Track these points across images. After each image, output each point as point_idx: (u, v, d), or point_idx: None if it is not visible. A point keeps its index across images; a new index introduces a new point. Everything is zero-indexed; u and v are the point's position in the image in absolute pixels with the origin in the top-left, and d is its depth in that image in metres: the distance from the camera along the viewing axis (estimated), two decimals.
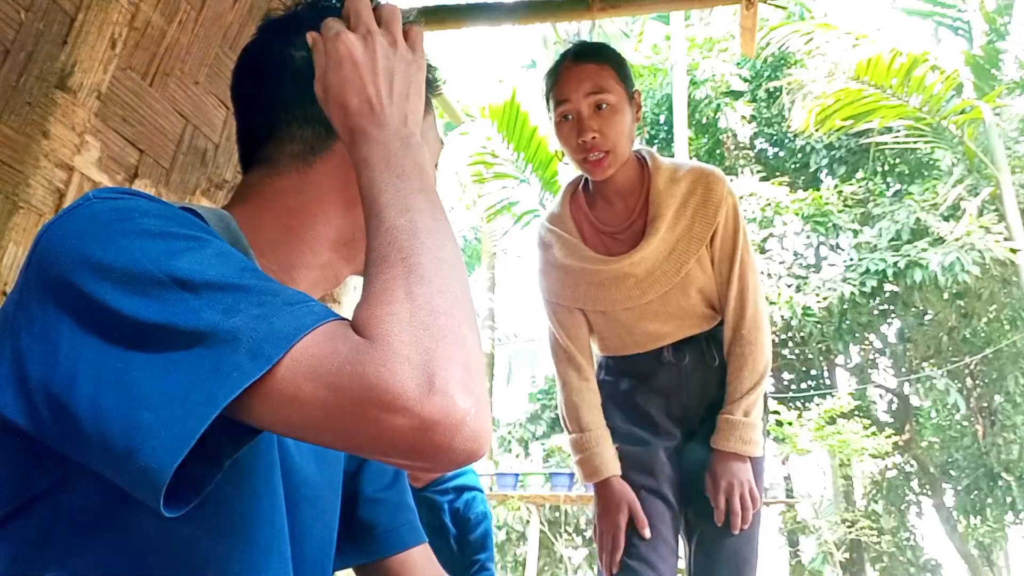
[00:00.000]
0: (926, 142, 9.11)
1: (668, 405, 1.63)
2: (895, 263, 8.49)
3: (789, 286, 9.36)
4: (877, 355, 11.12)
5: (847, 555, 8.96)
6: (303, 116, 0.71)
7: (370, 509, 0.85)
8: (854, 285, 8.75)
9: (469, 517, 2.15)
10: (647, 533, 1.53)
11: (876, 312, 9.74)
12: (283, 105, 0.71)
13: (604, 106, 1.49)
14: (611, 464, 1.58)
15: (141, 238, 0.51)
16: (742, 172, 10.34)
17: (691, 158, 9.54)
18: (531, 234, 1.79)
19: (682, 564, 1.68)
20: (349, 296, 2.38)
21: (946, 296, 8.77)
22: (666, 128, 9.96)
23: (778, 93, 10.20)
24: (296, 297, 0.50)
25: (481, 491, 2.22)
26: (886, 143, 9.25)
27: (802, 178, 10.75)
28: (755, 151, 11.24)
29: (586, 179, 1.68)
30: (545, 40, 11.57)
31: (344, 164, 0.71)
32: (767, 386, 1.60)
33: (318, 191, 0.72)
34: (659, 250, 1.57)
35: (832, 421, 8.37)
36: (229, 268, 0.51)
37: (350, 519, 0.83)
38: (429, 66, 0.76)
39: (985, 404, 9.98)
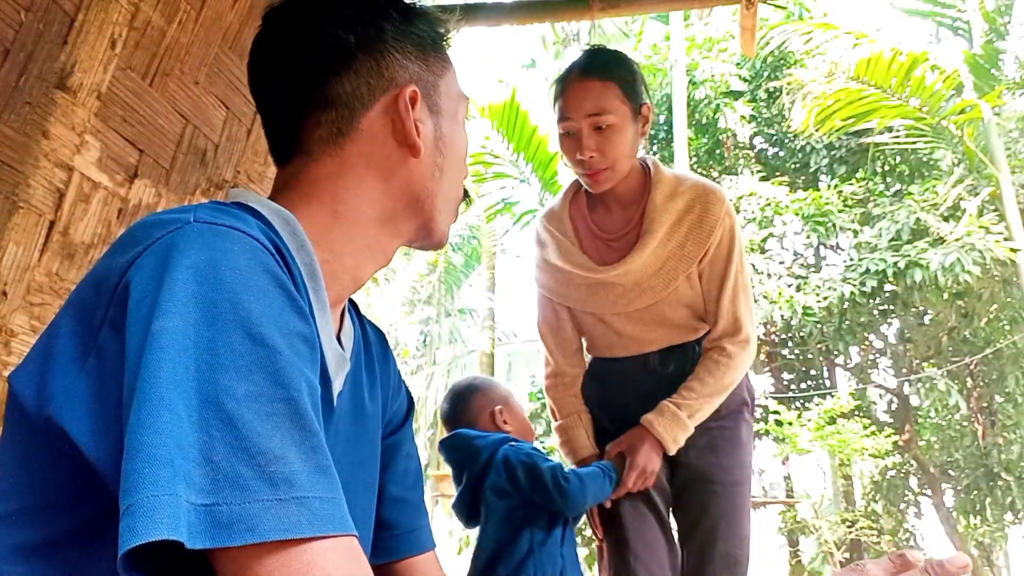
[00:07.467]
0: (926, 142, 9.09)
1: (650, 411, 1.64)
2: (895, 263, 8.47)
3: (789, 286, 9.34)
4: (877, 355, 11.10)
5: (847, 555, 8.94)
6: (324, 99, 0.70)
7: (393, 508, 0.84)
8: (854, 285, 8.73)
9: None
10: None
11: (876, 312, 9.72)
12: (303, 91, 0.71)
13: (604, 126, 1.48)
14: (584, 448, 1.72)
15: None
16: (742, 172, 10.32)
17: (691, 158, 9.55)
18: (530, 228, 1.82)
19: None
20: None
21: (946, 296, 8.75)
22: (666, 128, 9.94)
23: (778, 93, 10.17)
24: (308, 487, 0.48)
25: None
26: (886, 143, 9.23)
27: (802, 178, 10.73)
28: (755, 151, 11.21)
29: None
30: (544, 40, 11.57)
31: (374, 140, 0.71)
32: (718, 404, 1.59)
33: (355, 172, 0.71)
34: (648, 264, 1.57)
35: (832, 421, 8.37)
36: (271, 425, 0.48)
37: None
38: (435, 19, 0.76)
39: (985, 404, 9.97)
